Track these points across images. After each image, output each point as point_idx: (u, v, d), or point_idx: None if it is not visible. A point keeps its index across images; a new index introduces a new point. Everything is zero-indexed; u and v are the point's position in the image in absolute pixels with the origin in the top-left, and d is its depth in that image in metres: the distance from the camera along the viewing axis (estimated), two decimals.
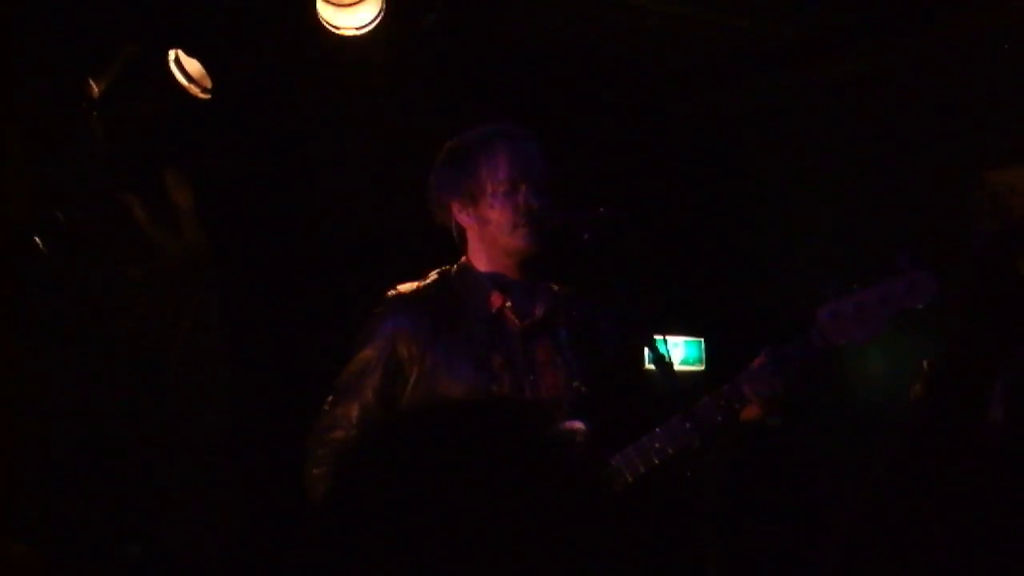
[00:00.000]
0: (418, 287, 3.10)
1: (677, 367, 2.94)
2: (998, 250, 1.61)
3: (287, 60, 3.91)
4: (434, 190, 3.13)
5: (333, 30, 3.63)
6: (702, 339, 5.27)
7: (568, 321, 3.08)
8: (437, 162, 3.14)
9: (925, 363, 1.72)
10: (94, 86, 3.57)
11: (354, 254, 4.27)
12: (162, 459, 3.70)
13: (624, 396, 3.08)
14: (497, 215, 3.01)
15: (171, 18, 3.60)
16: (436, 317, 3.02)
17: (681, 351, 5.17)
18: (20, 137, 3.47)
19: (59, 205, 3.51)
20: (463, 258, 3.13)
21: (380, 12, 3.62)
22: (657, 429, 2.89)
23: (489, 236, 3.05)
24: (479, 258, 3.09)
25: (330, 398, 3.06)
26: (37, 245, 3.45)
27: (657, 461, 2.88)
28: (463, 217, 3.08)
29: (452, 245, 3.15)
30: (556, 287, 3.12)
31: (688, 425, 2.85)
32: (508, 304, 3.03)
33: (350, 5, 3.61)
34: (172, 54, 3.57)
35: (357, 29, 3.63)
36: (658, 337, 2.85)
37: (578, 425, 2.92)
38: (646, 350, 2.88)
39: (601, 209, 2.93)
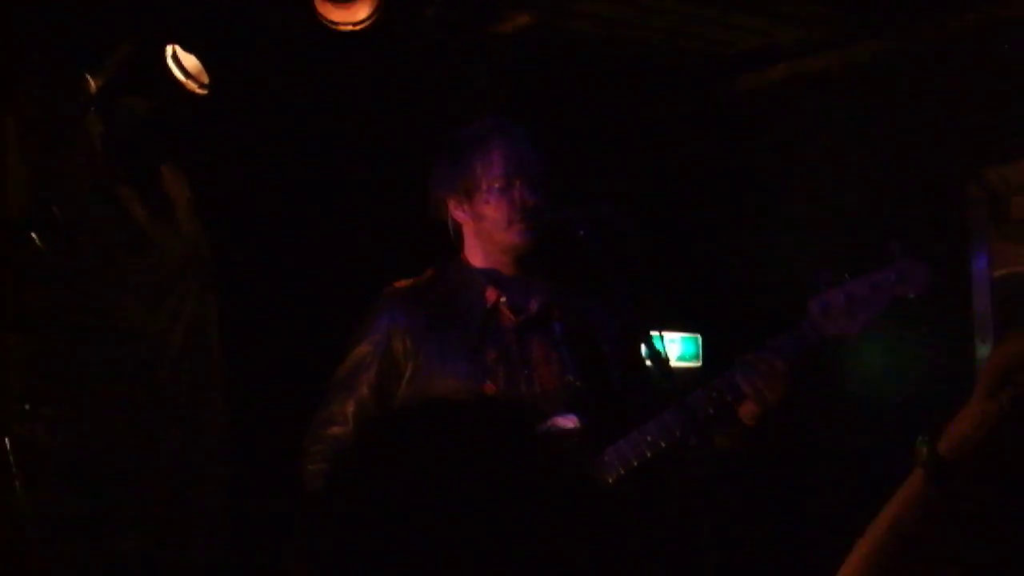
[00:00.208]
0: (414, 283, 3.11)
1: (674, 363, 2.96)
2: None
3: (285, 56, 3.91)
4: (430, 186, 3.14)
5: (330, 25, 3.63)
6: (699, 335, 5.26)
7: (563, 316, 3.08)
8: (433, 158, 3.15)
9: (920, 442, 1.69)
10: (92, 82, 3.57)
11: (351, 250, 4.27)
12: (159, 456, 3.70)
13: (619, 391, 3.09)
14: (492, 211, 3.02)
15: (168, 14, 3.60)
16: (431, 312, 3.03)
17: (678, 347, 5.17)
18: (17, 132, 3.46)
19: (56, 201, 3.51)
20: (459, 254, 3.14)
21: (377, 8, 3.62)
22: (649, 423, 2.90)
23: (484, 232, 3.06)
24: (475, 254, 3.10)
25: (327, 394, 3.07)
26: (34, 241, 3.45)
27: (649, 454, 2.89)
28: (459, 213, 3.09)
29: (449, 241, 3.16)
30: (552, 282, 3.12)
31: (680, 418, 2.85)
32: (503, 299, 3.04)
33: (347, 0, 3.61)
34: (170, 50, 3.57)
35: (354, 25, 3.63)
36: (654, 333, 2.86)
37: (571, 419, 2.93)
38: (643, 346, 2.88)
39: (597, 205, 2.93)
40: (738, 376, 2.89)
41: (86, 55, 3.58)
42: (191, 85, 3.59)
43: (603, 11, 4.47)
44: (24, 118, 3.50)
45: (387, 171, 4.20)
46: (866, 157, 5.07)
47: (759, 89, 5.32)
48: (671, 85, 5.23)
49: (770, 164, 5.38)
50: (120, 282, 3.71)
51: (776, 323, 2.99)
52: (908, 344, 4.72)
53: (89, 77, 3.57)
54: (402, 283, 3.12)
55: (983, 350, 4.73)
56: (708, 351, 5.22)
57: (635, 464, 2.89)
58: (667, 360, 2.86)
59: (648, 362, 2.90)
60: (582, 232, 2.89)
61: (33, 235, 3.45)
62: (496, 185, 3.01)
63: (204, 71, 3.60)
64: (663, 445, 2.89)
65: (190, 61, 3.59)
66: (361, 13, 3.61)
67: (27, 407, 3.40)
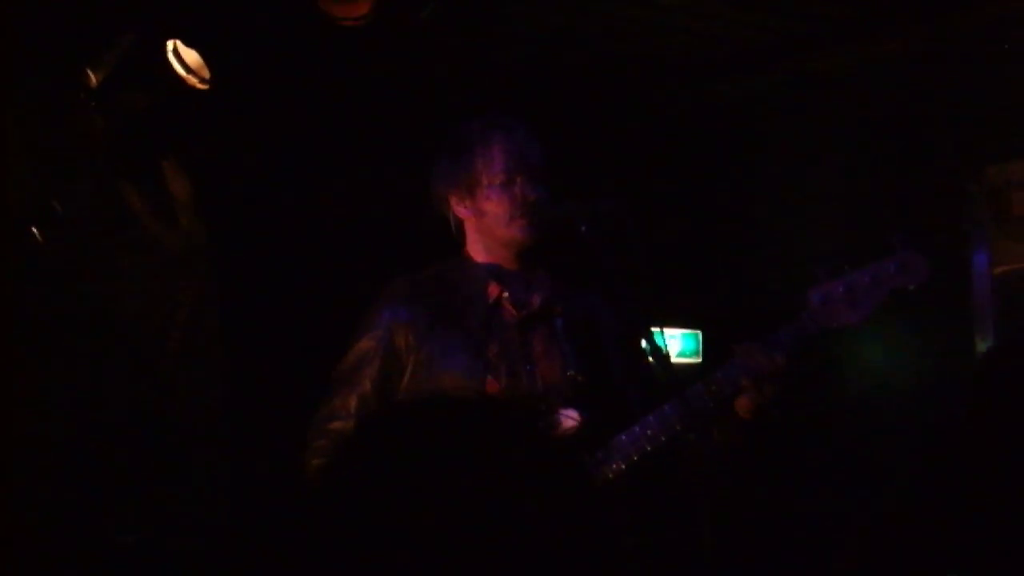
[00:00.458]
0: (416, 278, 3.12)
1: (674, 359, 2.97)
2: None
3: (285, 51, 3.91)
4: (432, 183, 3.14)
5: (331, 20, 3.62)
6: (699, 332, 5.27)
7: (565, 311, 3.09)
8: (434, 155, 3.15)
9: None
10: (92, 76, 3.57)
11: (352, 245, 4.27)
12: (160, 451, 3.70)
13: (621, 386, 3.09)
14: (494, 207, 3.02)
15: (169, 9, 3.59)
16: (433, 308, 3.03)
17: (678, 343, 5.17)
18: (17, 127, 3.46)
19: (56, 196, 3.51)
20: (462, 250, 3.14)
21: (377, 2, 3.62)
22: (650, 417, 2.90)
23: (486, 228, 3.06)
24: (477, 250, 3.11)
25: (329, 389, 3.08)
26: (34, 236, 3.45)
27: (649, 448, 2.89)
28: (460, 209, 3.10)
29: (450, 237, 3.16)
30: (553, 278, 3.13)
31: (680, 412, 2.86)
32: (505, 295, 3.04)
33: None
34: (170, 44, 3.57)
35: (354, 20, 3.62)
36: (655, 329, 2.86)
37: (572, 414, 2.93)
38: (643, 342, 2.88)
39: (598, 201, 2.93)
40: (736, 369, 2.89)
41: (87, 50, 3.57)
42: (192, 80, 3.58)
43: (602, 6, 4.47)
44: (24, 113, 3.49)
45: (389, 167, 4.20)
46: (867, 155, 5.07)
47: (760, 87, 5.32)
48: (673, 82, 5.23)
49: (772, 161, 5.38)
50: (121, 277, 3.71)
51: (777, 320, 2.99)
52: (908, 341, 4.72)
53: (90, 72, 3.56)
54: (404, 278, 3.12)
55: (983, 347, 4.73)
56: (708, 347, 5.23)
57: (635, 458, 2.90)
58: (668, 356, 2.86)
59: (649, 358, 2.90)
60: (584, 228, 2.89)
61: (34, 230, 3.45)
62: (497, 181, 3.02)
63: (205, 66, 3.59)
64: (663, 439, 2.89)
65: (191, 56, 3.58)
66: (362, 8, 3.61)
67: (27, 402, 3.40)
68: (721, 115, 5.44)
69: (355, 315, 3.14)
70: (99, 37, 3.57)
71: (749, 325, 3.03)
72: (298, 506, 1.30)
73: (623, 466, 2.89)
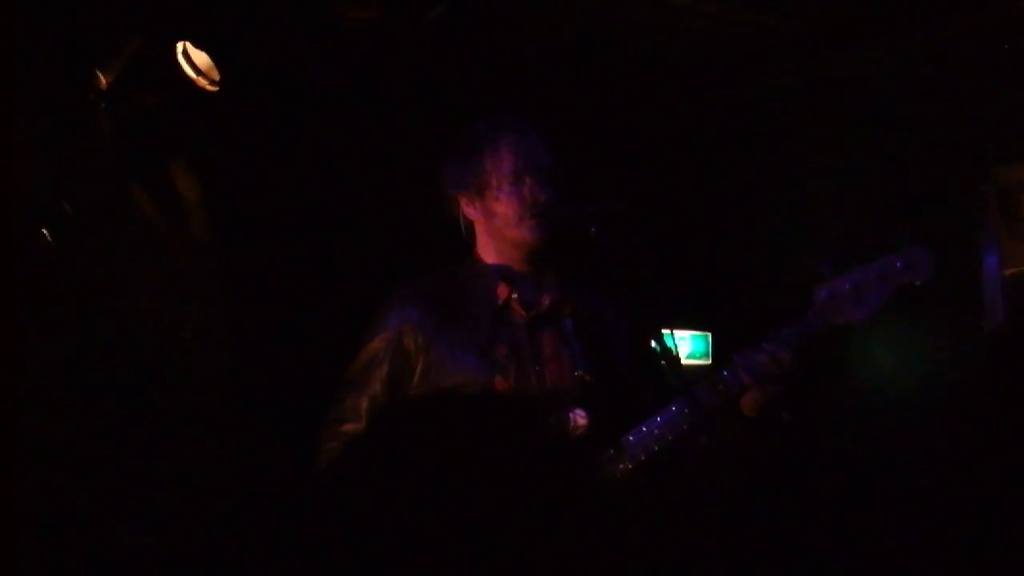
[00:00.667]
0: (426, 279, 3.12)
1: (684, 361, 2.96)
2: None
3: (295, 52, 3.91)
4: (441, 184, 3.15)
5: (341, 19, 3.62)
6: (709, 333, 5.27)
7: (574, 312, 3.08)
8: (444, 156, 3.15)
9: None
10: (102, 78, 3.57)
11: (362, 247, 4.27)
12: (168, 451, 3.71)
13: (630, 387, 3.09)
14: (503, 207, 3.03)
15: (179, 10, 3.60)
16: (443, 309, 3.03)
17: (688, 345, 5.17)
18: (28, 129, 3.47)
19: (66, 196, 3.52)
20: (471, 251, 3.14)
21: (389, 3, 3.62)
22: (657, 417, 2.90)
23: (496, 229, 3.07)
24: (487, 251, 3.11)
25: (340, 391, 3.08)
26: (45, 237, 3.45)
27: (657, 448, 2.89)
28: (470, 210, 3.10)
29: (460, 238, 3.16)
30: (563, 279, 3.13)
31: (687, 411, 2.85)
32: (514, 295, 3.04)
33: None
34: (180, 46, 3.57)
35: (365, 18, 3.63)
36: (665, 331, 2.86)
37: (581, 414, 2.93)
38: (653, 343, 2.88)
39: (608, 202, 2.93)
40: (742, 367, 2.89)
41: (97, 51, 3.58)
42: (201, 82, 3.59)
43: (610, 8, 4.47)
44: (35, 114, 3.50)
45: (398, 168, 4.20)
46: (878, 156, 5.07)
47: (770, 88, 5.31)
48: (681, 83, 5.23)
49: (781, 162, 5.38)
50: (130, 279, 3.71)
51: (786, 321, 2.99)
52: (919, 342, 4.72)
53: (100, 73, 3.57)
54: (414, 280, 3.12)
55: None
56: (718, 349, 5.22)
57: (643, 458, 2.90)
58: (677, 357, 2.85)
59: (659, 359, 2.90)
60: (593, 229, 2.89)
61: (44, 231, 3.46)
62: (506, 181, 3.02)
63: (214, 67, 3.60)
64: (671, 439, 2.89)
65: (200, 58, 3.59)
66: (372, 7, 3.61)
67: (36, 402, 3.40)
68: (730, 116, 5.43)
69: (365, 316, 3.14)
70: (109, 38, 3.57)
71: (758, 327, 3.02)
72: (309, 506, 1.30)
73: (631, 466, 2.90)
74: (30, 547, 3.32)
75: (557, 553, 1.12)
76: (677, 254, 4.83)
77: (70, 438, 3.46)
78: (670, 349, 2.82)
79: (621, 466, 2.90)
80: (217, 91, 3.61)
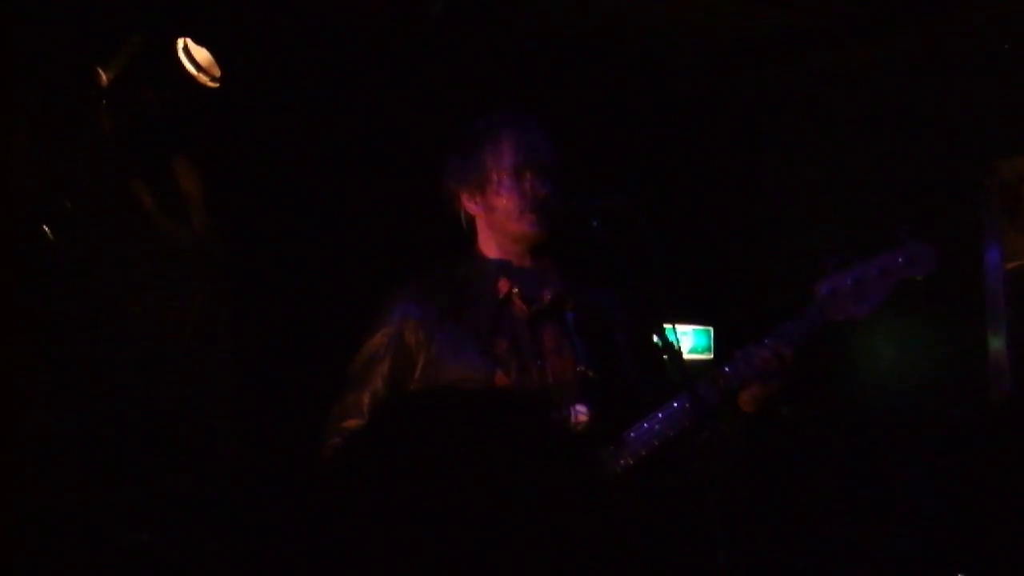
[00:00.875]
0: (427, 275, 3.12)
1: (686, 356, 2.96)
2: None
3: (296, 48, 3.91)
4: (442, 179, 3.15)
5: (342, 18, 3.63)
6: (711, 328, 5.26)
7: (576, 307, 3.08)
8: (445, 151, 3.15)
9: None
10: (103, 75, 3.57)
11: (364, 243, 4.27)
12: (169, 450, 3.71)
13: (632, 382, 3.09)
14: (503, 202, 3.03)
15: (180, 7, 3.60)
16: (444, 303, 3.04)
17: (690, 340, 5.16)
18: (28, 126, 3.47)
19: (67, 194, 3.51)
20: (473, 246, 3.14)
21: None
22: (659, 412, 2.90)
23: (496, 223, 3.07)
24: (488, 245, 3.11)
25: (342, 387, 3.08)
26: (45, 234, 3.45)
27: (657, 443, 2.89)
28: (471, 205, 3.10)
29: (461, 234, 3.16)
30: (564, 273, 3.12)
31: (689, 407, 2.85)
32: (516, 290, 3.04)
33: None
34: (181, 43, 3.57)
35: (366, 17, 3.63)
36: (667, 325, 2.85)
37: (581, 409, 2.93)
38: (655, 338, 2.88)
39: (610, 197, 2.93)
40: (744, 362, 2.89)
41: (97, 48, 3.58)
42: (202, 78, 3.58)
43: (614, 1, 4.47)
44: (36, 112, 3.50)
45: (399, 164, 4.20)
46: (879, 151, 5.06)
47: (771, 82, 5.31)
48: (682, 77, 5.22)
49: (783, 158, 5.37)
50: (131, 276, 3.71)
51: (788, 317, 2.99)
52: (920, 336, 4.71)
53: (100, 70, 3.56)
54: (415, 275, 3.12)
55: (995, 343, 4.72)
56: (720, 344, 5.22)
57: (644, 454, 2.90)
58: (679, 352, 2.85)
59: (661, 354, 2.90)
60: (595, 223, 2.89)
61: (45, 228, 3.45)
62: (507, 175, 3.02)
63: (215, 64, 3.59)
64: (672, 435, 2.89)
65: (201, 54, 3.58)
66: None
67: (37, 400, 3.40)
68: (731, 110, 5.43)
69: (367, 312, 3.14)
70: (110, 35, 3.57)
71: (760, 321, 3.02)
72: (311, 502, 1.30)
73: (632, 461, 2.90)
74: (30, 547, 3.32)
75: (560, 546, 1.12)
76: (679, 249, 4.82)
77: (70, 438, 3.46)
78: (672, 344, 2.82)
79: (622, 461, 2.90)
80: (218, 88, 3.61)
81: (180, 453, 3.73)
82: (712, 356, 5.22)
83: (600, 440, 2.91)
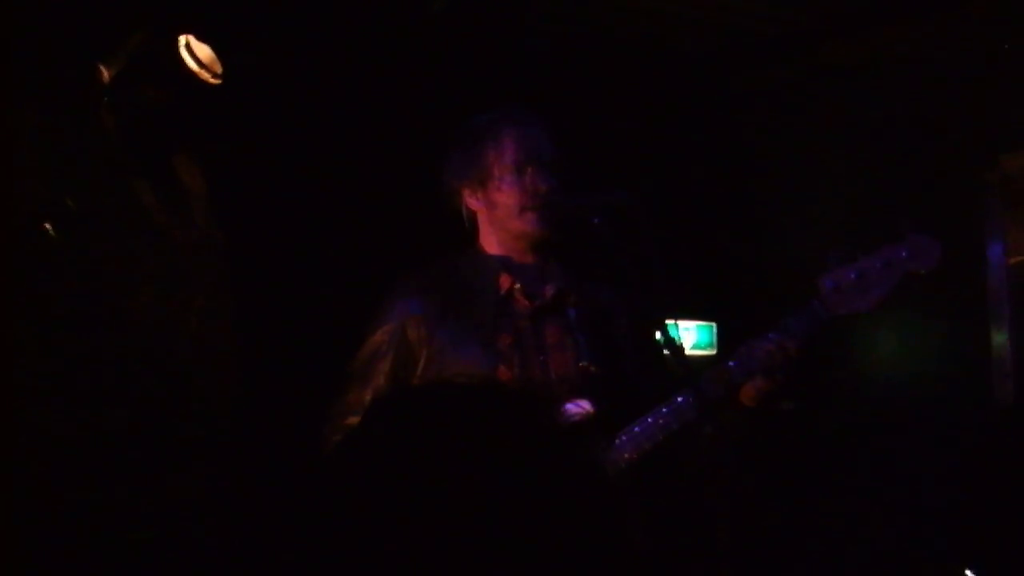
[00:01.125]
0: (428, 271, 3.12)
1: (689, 351, 2.96)
2: None
3: (299, 45, 3.91)
4: (444, 175, 3.15)
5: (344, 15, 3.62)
6: (714, 324, 5.26)
7: (578, 302, 3.08)
8: (447, 147, 3.15)
9: None
10: (104, 72, 3.57)
11: (366, 239, 4.27)
12: (172, 447, 3.70)
13: (634, 377, 3.09)
14: (505, 198, 3.03)
15: (181, 3, 3.59)
16: (445, 300, 3.04)
17: (693, 336, 5.16)
18: (30, 123, 3.46)
19: (69, 191, 3.51)
20: (474, 243, 3.14)
21: None
22: (662, 408, 2.90)
23: (498, 220, 3.07)
24: (490, 242, 3.11)
25: (344, 384, 3.08)
26: (47, 232, 3.45)
27: (661, 438, 2.89)
28: (472, 202, 3.10)
29: (463, 230, 3.16)
30: (566, 269, 3.13)
31: (692, 401, 2.85)
32: (517, 286, 3.04)
33: None
34: (183, 40, 3.57)
35: (368, 13, 3.62)
36: (669, 321, 2.85)
37: (583, 404, 2.93)
38: (657, 334, 2.88)
39: (612, 193, 2.93)
40: (748, 357, 2.89)
41: (99, 45, 3.57)
42: (204, 75, 3.58)
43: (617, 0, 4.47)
44: (37, 109, 3.50)
45: (402, 161, 4.20)
46: (881, 145, 5.06)
47: (773, 78, 5.30)
48: (685, 74, 5.22)
49: (785, 153, 5.37)
50: (133, 273, 3.70)
51: (791, 311, 2.99)
52: (923, 331, 4.71)
53: (102, 67, 3.56)
54: (417, 271, 3.12)
55: (998, 338, 4.72)
56: (723, 339, 5.22)
57: (647, 448, 2.90)
58: (682, 348, 2.85)
59: (663, 350, 2.90)
60: (596, 220, 2.89)
61: (47, 226, 3.45)
62: (508, 172, 3.02)
63: (217, 61, 3.59)
64: (675, 430, 2.89)
65: (203, 51, 3.58)
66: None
67: (38, 398, 3.40)
68: (733, 106, 5.42)
69: (369, 308, 3.14)
70: (111, 32, 3.57)
71: (763, 317, 3.02)
72: (311, 499, 1.30)
73: (635, 456, 2.90)
74: (30, 546, 3.32)
75: (561, 542, 1.12)
76: (681, 245, 4.82)
77: (75, 433, 3.46)
78: (674, 339, 2.82)
79: (626, 456, 2.90)
80: (220, 84, 3.61)
81: (181, 452, 3.72)
82: (715, 351, 5.22)
83: (603, 435, 2.91)
